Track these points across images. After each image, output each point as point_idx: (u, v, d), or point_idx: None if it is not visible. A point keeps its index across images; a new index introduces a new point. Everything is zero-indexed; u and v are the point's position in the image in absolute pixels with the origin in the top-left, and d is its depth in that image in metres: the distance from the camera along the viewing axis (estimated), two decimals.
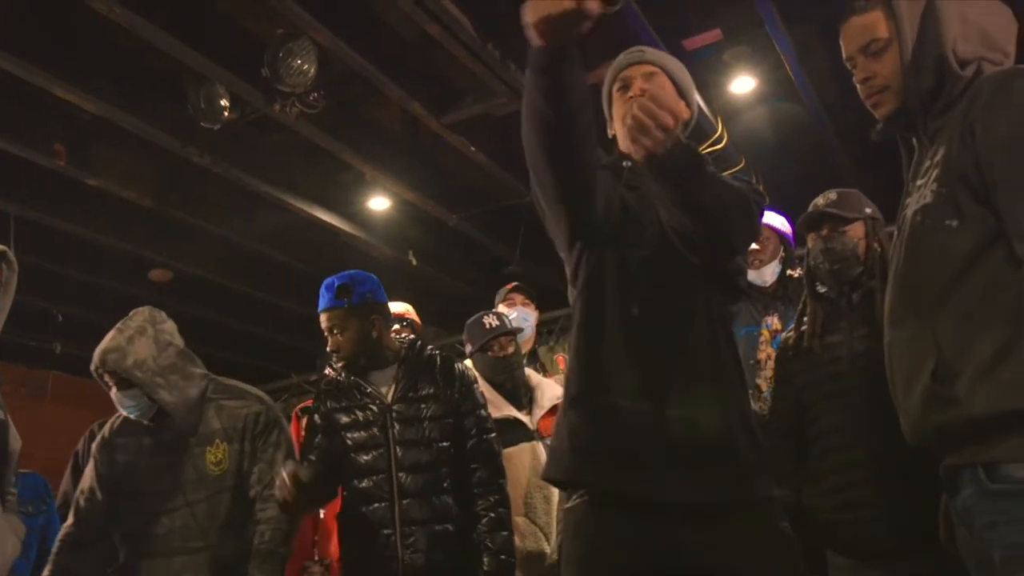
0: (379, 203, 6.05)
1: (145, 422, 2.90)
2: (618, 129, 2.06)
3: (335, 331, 2.88)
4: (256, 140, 5.23)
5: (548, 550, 3.07)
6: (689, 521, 1.76)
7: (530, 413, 3.30)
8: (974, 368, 1.51)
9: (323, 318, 2.91)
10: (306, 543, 3.40)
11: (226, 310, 7.45)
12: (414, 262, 6.52)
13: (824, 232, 2.56)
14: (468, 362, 3.38)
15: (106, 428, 3.01)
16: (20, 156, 4.76)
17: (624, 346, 1.86)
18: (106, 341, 2.87)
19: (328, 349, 2.93)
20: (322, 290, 2.94)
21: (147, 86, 4.61)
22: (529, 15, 1.60)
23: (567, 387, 1.95)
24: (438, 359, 2.94)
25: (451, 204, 6.00)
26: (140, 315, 2.95)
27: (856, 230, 2.54)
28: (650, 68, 2.05)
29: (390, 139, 5.45)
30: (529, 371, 3.55)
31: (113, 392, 2.86)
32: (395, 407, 2.81)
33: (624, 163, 2.02)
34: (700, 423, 1.79)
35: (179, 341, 3.00)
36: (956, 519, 1.68)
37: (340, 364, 2.91)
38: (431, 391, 2.84)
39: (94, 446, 2.99)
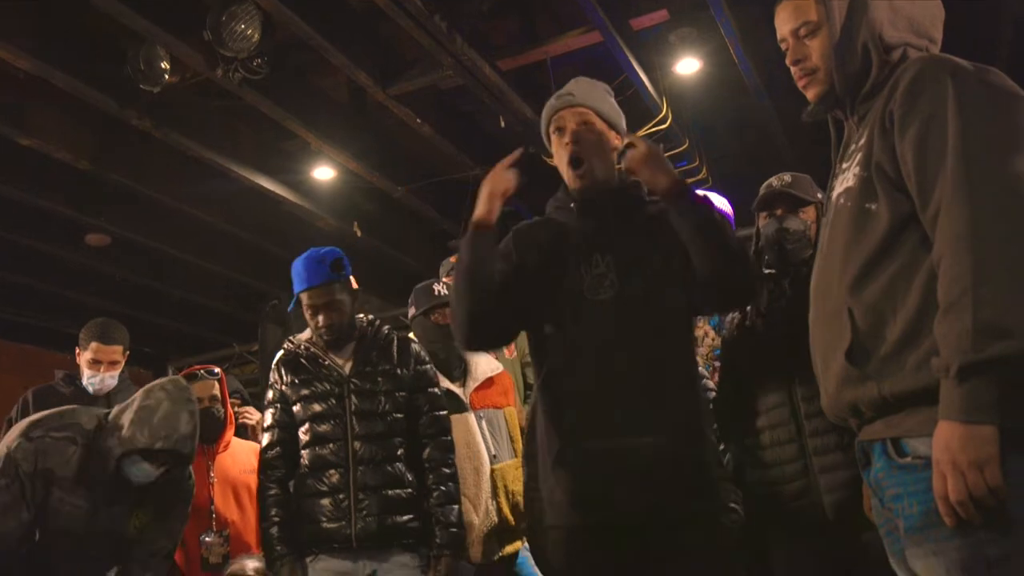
0: (324, 173, 6.00)
1: (104, 465, 2.70)
2: (562, 169, 2.30)
3: (331, 306, 2.94)
4: (198, 105, 5.14)
5: (476, 520, 3.11)
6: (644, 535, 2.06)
7: (463, 385, 3.32)
8: (884, 349, 1.56)
9: (317, 293, 2.93)
10: (203, 512, 3.34)
11: (166, 277, 7.34)
12: (359, 233, 6.48)
13: (779, 212, 2.58)
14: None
15: (47, 459, 2.65)
16: None
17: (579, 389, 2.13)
18: (187, 425, 2.67)
19: (320, 324, 2.95)
20: (309, 264, 2.93)
21: (85, 45, 4.49)
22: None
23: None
24: (395, 338, 3.06)
25: (397, 175, 5.98)
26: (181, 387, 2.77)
27: (809, 213, 2.57)
28: (580, 110, 2.27)
29: (336, 109, 5.40)
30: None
31: (145, 466, 2.69)
32: (353, 380, 2.93)
33: (571, 204, 2.29)
34: (656, 452, 2.06)
35: None
36: (870, 491, 1.75)
37: (327, 339, 2.97)
38: (387, 367, 2.96)
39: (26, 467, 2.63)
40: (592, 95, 2.30)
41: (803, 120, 1.88)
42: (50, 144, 5.05)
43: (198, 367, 3.58)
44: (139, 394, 2.76)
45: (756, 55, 4.69)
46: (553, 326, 2.20)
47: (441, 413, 3.00)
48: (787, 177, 2.63)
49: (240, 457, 3.56)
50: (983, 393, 1.38)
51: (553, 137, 2.31)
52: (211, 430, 3.41)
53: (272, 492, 2.91)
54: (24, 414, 3.73)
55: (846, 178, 1.71)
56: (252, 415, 3.91)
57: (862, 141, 1.69)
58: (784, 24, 1.81)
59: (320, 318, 2.95)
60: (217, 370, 3.56)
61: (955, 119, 1.51)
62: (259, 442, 3.78)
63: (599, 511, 2.08)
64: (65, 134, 5.12)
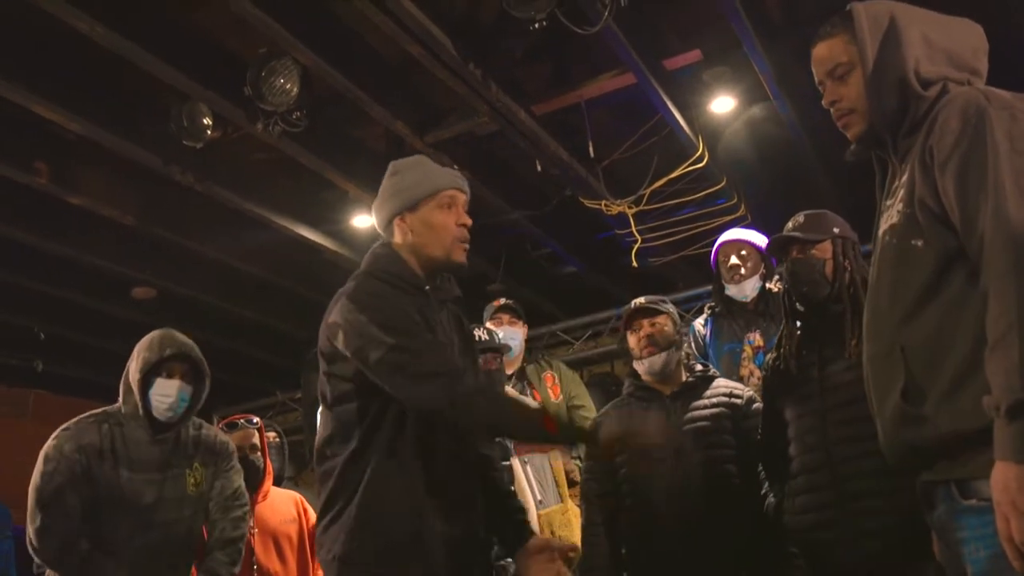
0: (363, 221, 6.06)
1: (143, 433, 2.96)
2: (441, 244, 2.29)
3: None
4: (239, 158, 5.24)
5: None
6: None
7: None
8: (940, 387, 1.53)
9: None
10: (244, 563, 3.36)
11: (210, 328, 7.41)
12: None
13: (792, 255, 2.59)
14: None
15: (83, 437, 2.94)
16: (1, 174, 4.75)
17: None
18: (182, 337, 3.09)
19: None
20: None
21: (129, 105, 4.61)
22: None
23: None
24: None
25: None
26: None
27: (823, 251, 2.55)
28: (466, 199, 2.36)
29: (374, 158, 5.46)
30: (507, 389, 3.55)
31: (170, 383, 2.98)
32: None
33: (425, 287, 2.26)
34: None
35: None
36: (934, 533, 1.70)
37: None
38: None
39: (69, 448, 2.91)
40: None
41: (846, 160, 1.88)
42: (97, 202, 5.18)
43: (239, 416, 3.62)
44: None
45: (791, 91, 4.68)
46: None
47: (504, 463, 3.00)
48: (800, 218, 2.64)
49: (279, 507, 3.57)
50: None
51: (441, 211, 2.30)
52: (250, 479, 3.45)
53: None
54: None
55: (891, 215, 1.70)
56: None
57: (904, 178, 1.68)
58: (819, 66, 1.82)
59: None
60: (256, 419, 3.59)
61: (994, 152, 1.50)
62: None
63: None
64: (111, 191, 5.24)
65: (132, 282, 6.58)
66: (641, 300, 3.07)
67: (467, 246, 2.30)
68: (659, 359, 2.94)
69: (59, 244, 5.66)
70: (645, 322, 3.00)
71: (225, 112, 4.46)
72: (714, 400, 2.92)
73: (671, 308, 3.10)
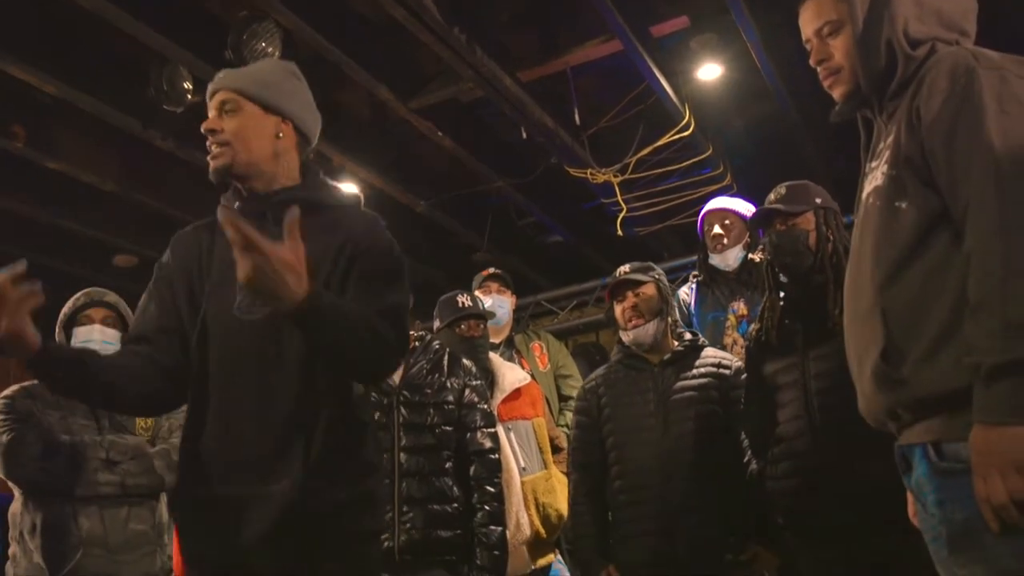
0: (346, 188, 6.01)
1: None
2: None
3: None
4: None
5: (508, 533, 3.08)
6: None
7: (491, 397, 3.29)
8: (919, 350, 1.52)
9: None
10: None
11: None
12: None
13: (775, 227, 2.60)
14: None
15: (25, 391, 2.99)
16: None
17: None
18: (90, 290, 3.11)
19: None
20: None
21: (108, 68, 4.54)
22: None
23: None
24: (445, 353, 3.08)
25: (419, 190, 5.98)
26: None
27: (805, 222, 2.57)
28: (224, 96, 2.02)
29: (357, 124, 5.41)
30: (492, 355, 3.55)
31: (87, 328, 3.02)
32: (402, 392, 2.94)
33: (236, 204, 2.06)
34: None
35: None
36: (912, 496, 1.71)
37: None
38: (437, 378, 2.98)
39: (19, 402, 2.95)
40: (241, 77, 2.05)
41: (831, 120, 1.86)
42: (76, 167, 5.11)
43: None
44: None
45: (778, 59, 4.65)
46: (198, 346, 1.93)
47: (490, 430, 2.99)
48: (782, 189, 2.65)
49: None
50: (1014, 394, 1.35)
51: None
52: None
53: None
54: None
55: (875, 177, 1.69)
56: None
57: (890, 139, 1.66)
58: (807, 24, 1.80)
59: None
60: None
61: (982, 113, 1.48)
62: None
63: (219, 562, 1.81)
64: (91, 157, 5.17)
65: (114, 249, 6.52)
66: (625, 268, 3.05)
67: (213, 155, 2.02)
68: (643, 330, 2.94)
69: (38, 209, 5.59)
70: (629, 293, 2.99)
71: (206, 76, 4.38)
72: (703, 370, 2.93)
73: (657, 274, 3.08)
